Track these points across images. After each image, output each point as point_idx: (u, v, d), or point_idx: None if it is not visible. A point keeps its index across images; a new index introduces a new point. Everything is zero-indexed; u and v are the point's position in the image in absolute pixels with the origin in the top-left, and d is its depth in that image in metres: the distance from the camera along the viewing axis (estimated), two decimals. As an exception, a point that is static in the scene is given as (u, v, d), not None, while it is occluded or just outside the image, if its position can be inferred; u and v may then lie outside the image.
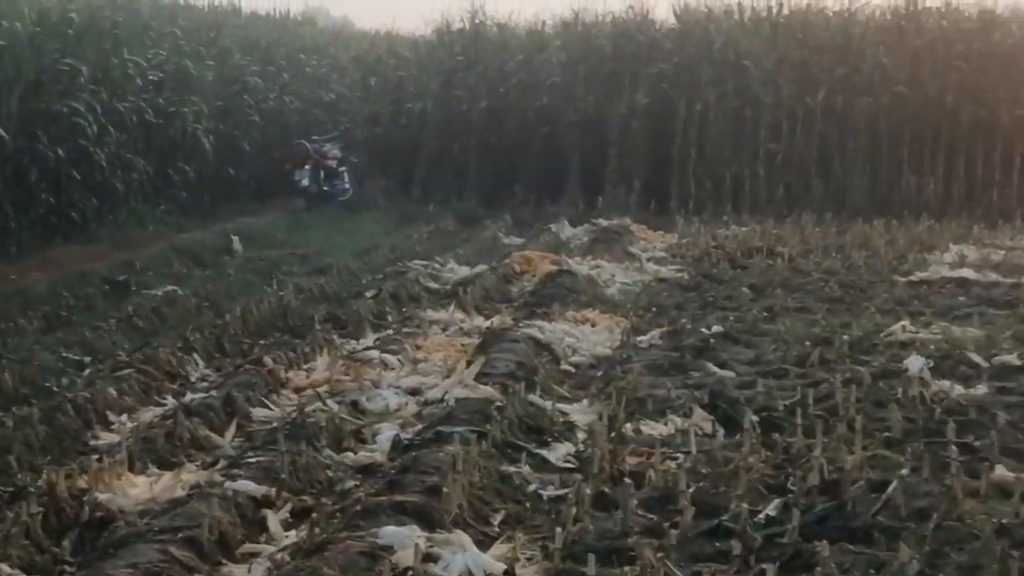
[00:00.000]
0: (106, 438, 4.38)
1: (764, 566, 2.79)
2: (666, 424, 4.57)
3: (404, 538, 2.97)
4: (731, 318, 6.94)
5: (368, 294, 7.60)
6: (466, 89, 14.40)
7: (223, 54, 13.54)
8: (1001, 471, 3.69)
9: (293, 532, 3.28)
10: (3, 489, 3.67)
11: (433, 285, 8.19)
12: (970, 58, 13.12)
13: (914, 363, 5.26)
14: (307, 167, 12.99)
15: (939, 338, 6.05)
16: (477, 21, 15.22)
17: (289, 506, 3.49)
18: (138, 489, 3.58)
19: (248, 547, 3.19)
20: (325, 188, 13.32)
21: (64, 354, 5.78)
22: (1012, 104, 12.82)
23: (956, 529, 3.09)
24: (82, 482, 3.53)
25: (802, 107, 13.16)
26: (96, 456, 3.95)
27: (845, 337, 6.07)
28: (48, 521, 3.26)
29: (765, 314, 7.05)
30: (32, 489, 3.49)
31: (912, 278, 8.44)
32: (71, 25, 10.15)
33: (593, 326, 6.73)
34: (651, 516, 3.37)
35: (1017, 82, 12.95)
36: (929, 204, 12.55)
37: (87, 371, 5.49)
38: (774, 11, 14.18)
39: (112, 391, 4.81)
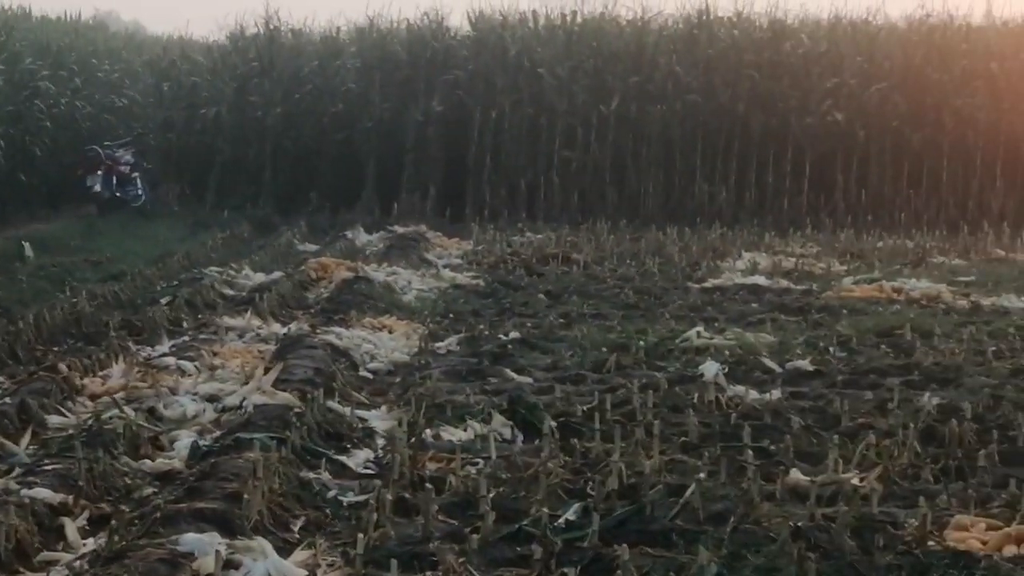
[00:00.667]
0: None
1: (564, 570, 2.82)
2: (465, 430, 4.55)
3: (205, 545, 2.97)
4: (528, 324, 7.04)
5: (163, 300, 7.54)
6: (261, 95, 14.72)
7: (13, 58, 13.28)
8: (796, 475, 3.78)
9: (91, 540, 3.27)
10: None
11: (229, 292, 8.21)
12: (761, 67, 14.05)
13: (709, 368, 5.41)
14: (99, 172, 13.03)
15: (733, 343, 6.31)
16: (272, 27, 15.43)
17: (87, 513, 3.47)
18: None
19: (46, 555, 3.17)
20: (118, 194, 13.33)
21: None
22: (802, 113, 13.78)
23: (753, 532, 3.12)
24: None
25: (596, 115, 13.90)
26: None
27: (641, 343, 6.24)
28: None
29: (562, 320, 7.20)
30: None
31: (706, 285, 8.88)
32: None
33: (391, 332, 6.76)
34: (452, 521, 3.34)
35: (807, 91, 13.95)
36: (722, 212, 13.44)
37: None
38: (568, 20, 14.90)
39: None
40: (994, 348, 6.25)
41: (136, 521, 3.27)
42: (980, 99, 13.66)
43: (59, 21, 16.64)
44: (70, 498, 3.51)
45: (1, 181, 12.18)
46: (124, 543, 3.03)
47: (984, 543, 3.11)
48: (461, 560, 2.91)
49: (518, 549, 3.09)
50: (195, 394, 5.05)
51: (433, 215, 13.23)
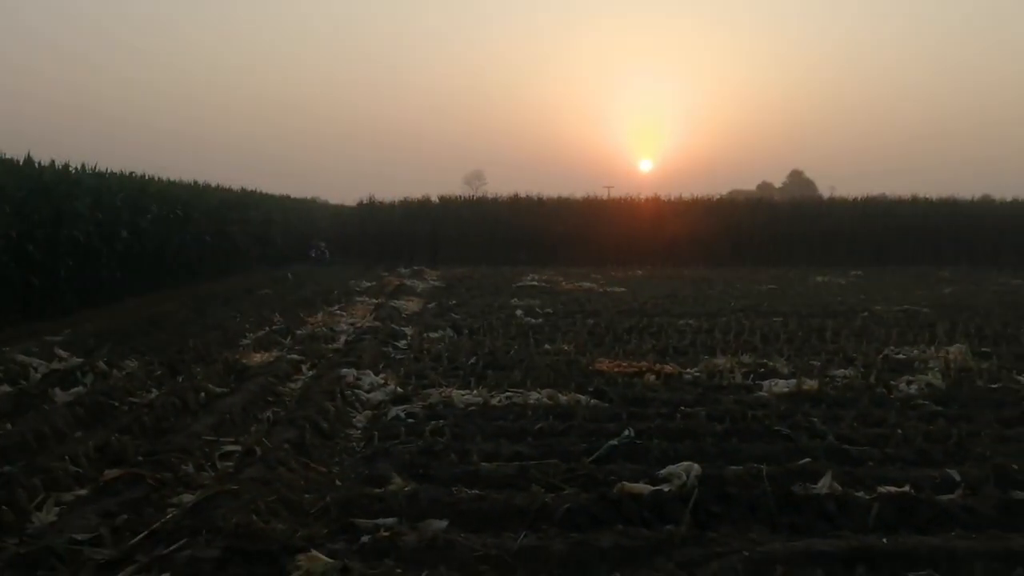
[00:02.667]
0: None
1: (468, 371, 9.36)
2: (438, 332, 11.48)
3: (350, 372, 9.14)
4: (462, 296, 14.34)
5: (336, 291, 16.50)
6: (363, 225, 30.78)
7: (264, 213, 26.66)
8: (546, 346, 10.56)
9: (310, 370, 9.44)
10: None
11: (357, 287, 20.06)
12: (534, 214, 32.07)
13: (518, 306, 12.46)
14: (312, 250, 30.15)
15: (530, 304, 13.56)
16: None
17: (310, 362, 9.60)
18: None
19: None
20: (318, 256, 29.71)
21: None
22: (556, 224, 30.66)
23: (533, 365, 9.75)
24: None
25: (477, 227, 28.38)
26: None
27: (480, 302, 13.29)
28: None
29: (473, 297, 14.30)
30: None
31: (518, 284, 16.39)
32: None
33: (411, 302, 14.09)
34: (435, 364, 9.84)
35: (552, 221, 29.26)
36: (525, 260, 28.22)
37: None
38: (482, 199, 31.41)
39: None
40: (610, 303, 13.42)
41: (324, 363, 9.59)
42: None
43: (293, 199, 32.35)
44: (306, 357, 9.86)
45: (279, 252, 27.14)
46: (321, 372, 9.16)
47: (608, 367, 9.65)
48: (440, 375, 9.23)
49: (459, 372, 9.34)
50: (347, 323, 12.12)
51: (428, 262, 25.46)
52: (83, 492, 5.14)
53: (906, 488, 4.95)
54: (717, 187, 48.26)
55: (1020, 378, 8.52)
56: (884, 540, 4.24)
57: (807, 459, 5.63)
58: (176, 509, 4.81)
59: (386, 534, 4.30)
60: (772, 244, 29.44)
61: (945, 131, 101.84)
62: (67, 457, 5.58)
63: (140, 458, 5.67)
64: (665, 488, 5.02)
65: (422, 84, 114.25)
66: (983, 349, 10.33)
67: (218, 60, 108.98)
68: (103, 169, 15.92)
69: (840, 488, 5.02)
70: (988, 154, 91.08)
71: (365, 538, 4.31)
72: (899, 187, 49.63)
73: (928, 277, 23.15)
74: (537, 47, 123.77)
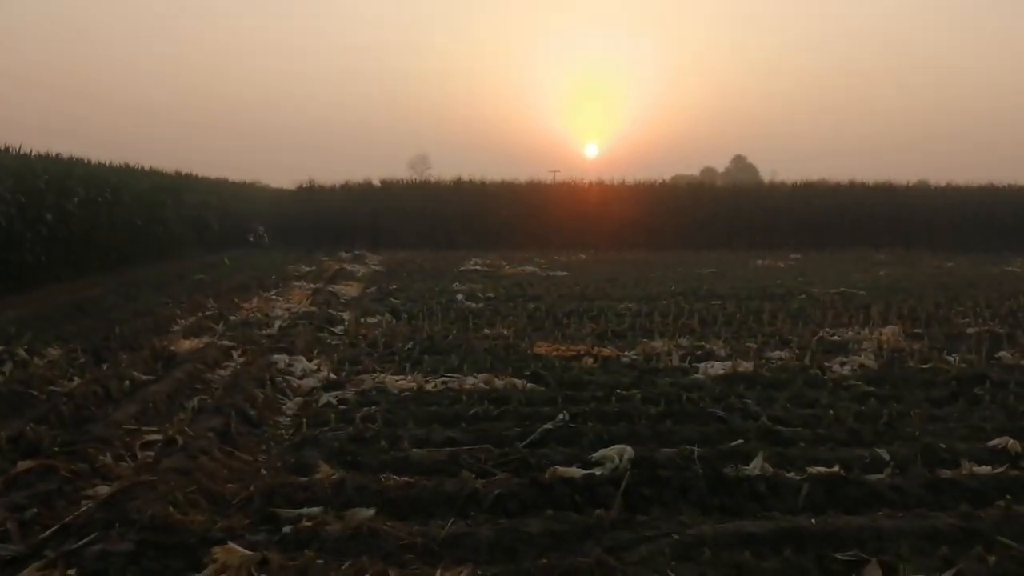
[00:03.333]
0: None
1: (411, 353, 9.20)
2: (375, 318, 11.28)
3: (283, 360, 8.96)
4: (402, 283, 14.08)
5: (274, 276, 14.99)
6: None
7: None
8: (485, 331, 10.46)
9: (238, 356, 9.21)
10: None
11: (296, 272, 16.62)
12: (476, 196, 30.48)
13: (459, 291, 12.32)
14: (252, 234, 28.94)
15: (472, 287, 13.52)
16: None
17: (242, 349, 9.36)
18: None
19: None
20: (257, 240, 29.77)
21: None
22: (496, 208, 28.58)
23: (471, 348, 9.62)
24: None
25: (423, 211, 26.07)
26: None
27: (436, 287, 13.17)
28: None
29: (409, 280, 14.13)
30: None
31: (461, 268, 16.40)
32: None
33: (350, 287, 13.76)
34: (370, 349, 9.68)
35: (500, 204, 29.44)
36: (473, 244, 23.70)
37: None
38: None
39: None
40: (552, 287, 13.71)
41: (255, 349, 9.41)
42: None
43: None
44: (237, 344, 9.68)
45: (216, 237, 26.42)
46: (252, 359, 8.98)
47: (546, 351, 9.57)
48: (375, 360, 9.06)
49: (395, 357, 9.26)
50: (283, 308, 11.80)
51: (370, 247, 25.23)
52: (-8, 485, 4.89)
53: (835, 468, 4.97)
54: (661, 172, 48.63)
55: (950, 358, 8.66)
56: (812, 521, 4.23)
57: (739, 440, 5.63)
58: (90, 502, 4.61)
59: (309, 524, 4.17)
60: (713, 228, 29.72)
61: (884, 115, 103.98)
62: (-24, 449, 5.32)
63: (56, 449, 5.43)
64: (597, 472, 4.97)
65: (366, 66, 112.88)
66: (915, 330, 10.50)
67: (158, 41, 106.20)
68: (26, 152, 15.34)
69: (771, 469, 5.02)
70: (925, 139, 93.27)
71: (287, 528, 4.17)
72: (839, 171, 50.46)
73: (865, 260, 23.59)
74: (483, 30, 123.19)
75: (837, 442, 5.79)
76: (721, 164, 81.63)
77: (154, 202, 20.58)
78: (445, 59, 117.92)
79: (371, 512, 4.39)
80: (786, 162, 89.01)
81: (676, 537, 4.05)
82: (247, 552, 3.80)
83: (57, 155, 16.60)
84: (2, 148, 14.65)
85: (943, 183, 32.43)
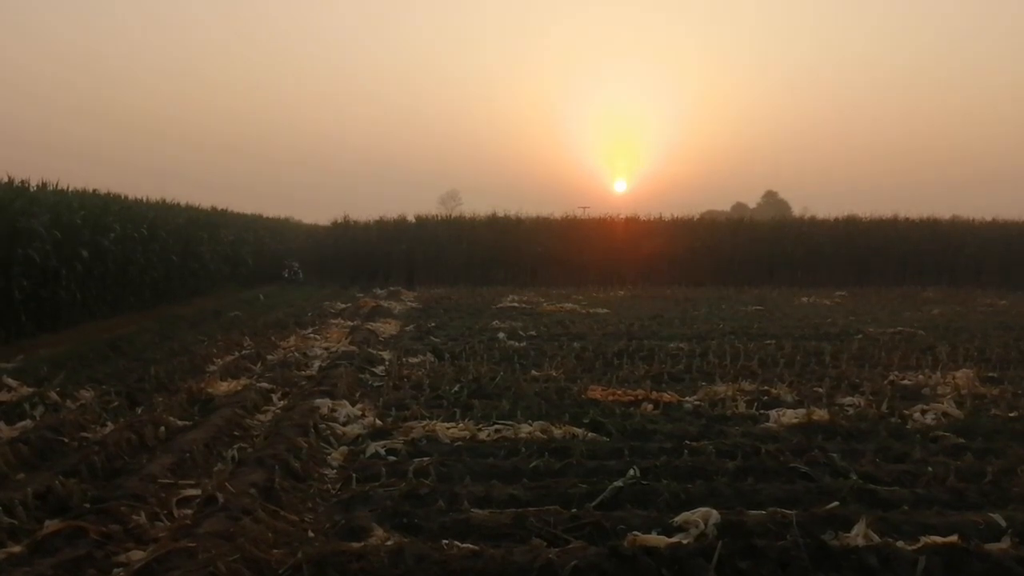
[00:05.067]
0: None
1: (453, 401, 8.70)
2: (417, 357, 10.87)
3: (324, 403, 8.53)
4: (442, 319, 13.69)
5: (310, 313, 14.56)
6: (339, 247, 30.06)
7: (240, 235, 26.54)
8: (534, 372, 9.95)
9: (281, 400, 8.77)
10: None
11: (332, 309, 16.89)
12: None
13: (500, 332, 12.10)
14: (286, 270, 30.20)
15: (509, 326, 13.00)
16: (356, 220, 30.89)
17: (281, 392, 8.93)
18: None
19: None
20: (292, 277, 29.48)
21: None
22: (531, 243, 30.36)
23: (521, 391, 9.13)
24: None
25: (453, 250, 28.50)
26: None
27: (474, 325, 12.72)
28: None
29: (453, 319, 13.70)
30: None
31: (499, 305, 15.81)
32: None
33: (389, 325, 13.35)
34: (414, 391, 9.19)
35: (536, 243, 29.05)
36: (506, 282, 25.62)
37: None
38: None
39: None
40: (595, 324, 13.20)
41: (296, 392, 8.95)
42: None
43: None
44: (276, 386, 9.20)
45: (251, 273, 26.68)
46: (293, 403, 8.58)
47: (602, 395, 9.06)
48: (422, 405, 8.49)
49: (442, 401, 8.72)
50: (322, 347, 11.37)
51: (405, 283, 25.49)
52: (16, 549, 4.46)
53: (953, 538, 4.40)
54: (691, 208, 48.06)
55: (1038, 406, 8.03)
56: (942, 604, 3.68)
57: (835, 503, 5.08)
58: (122, 570, 4.16)
59: (369, 602, 3.68)
60: (753, 264, 29.10)
61: (911, 152, 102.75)
62: (1, 506, 4.90)
63: (86, 506, 5.01)
64: (683, 540, 4.44)
65: (396, 103, 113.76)
66: (990, 374, 9.86)
67: (192, 76, 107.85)
68: (63, 187, 15.18)
69: (877, 537, 4.47)
70: (953, 175, 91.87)
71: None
72: (867, 207, 49.45)
73: (913, 297, 22.83)
74: (511, 67, 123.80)
75: (942, 504, 5.21)
76: (752, 200, 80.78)
77: (190, 238, 20.40)
78: (469, 91, 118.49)
79: (434, 586, 3.91)
80: (815, 197, 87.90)
81: (788, 623, 3.51)
82: (300, 639, 3.31)
83: (94, 190, 16.45)
84: (39, 184, 14.47)
85: (988, 218, 31.62)
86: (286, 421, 7.10)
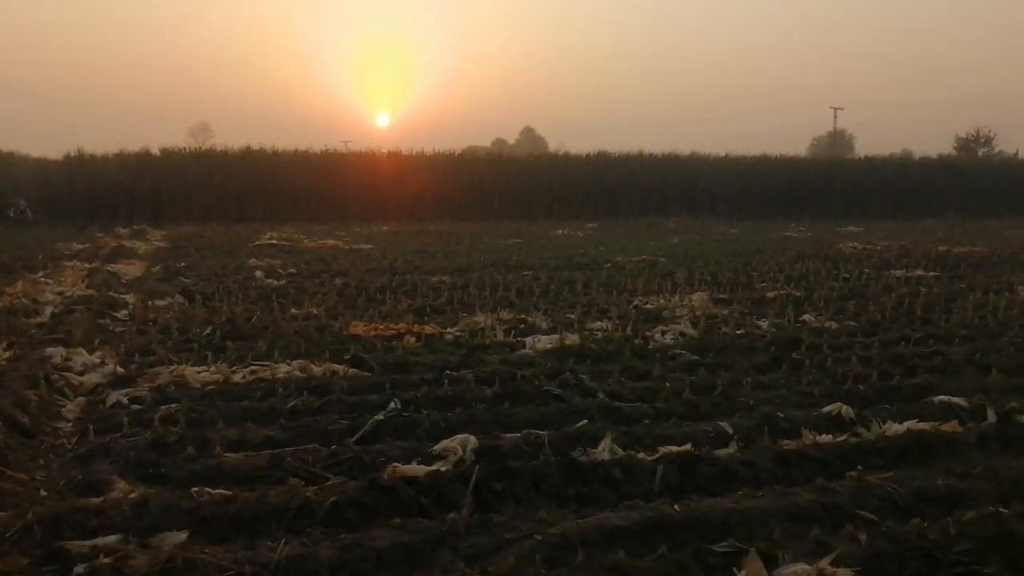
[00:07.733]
0: None
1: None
2: (164, 299, 10.04)
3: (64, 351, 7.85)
4: (192, 259, 12.81)
5: (41, 255, 12.64)
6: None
7: None
8: (293, 311, 9.67)
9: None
10: None
11: (67, 251, 15.13)
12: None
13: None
14: (11, 209, 25.69)
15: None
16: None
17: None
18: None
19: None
20: (19, 215, 25.81)
21: None
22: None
23: (282, 332, 8.83)
24: None
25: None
26: None
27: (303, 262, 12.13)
28: None
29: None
30: None
31: (255, 243, 15.34)
32: None
33: (135, 266, 12.29)
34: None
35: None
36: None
37: None
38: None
39: None
40: (358, 260, 12.84)
41: (24, 342, 8.23)
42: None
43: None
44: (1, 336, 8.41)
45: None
46: (21, 352, 7.99)
47: (364, 331, 8.97)
48: (170, 349, 8.24)
49: (193, 345, 8.44)
50: (55, 292, 10.45)
51: (151, 221, 24.14)
52: None
53: (687, 447, 4.79)
54: (454, 143, 48.46)
55: (760, 323, 8.89)
56: (676, 507, 3.99)
57: (583, 421, 5.36)
58: None
59: (107, 560, 3.43)
60: (512, 198, 29.86)
61: (658, 91, 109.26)
62: None
63: None
64: (442, 468, 4.51)
65: (135, 26, 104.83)
66: (721, 296, 10.78)
67: None
68: None
69: (621, 451, 4.77)
70: (697, 113, 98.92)
71: (80, 567, 3.41)
72: (621, 144, 52.27)
73: (656, 227, 24.46)
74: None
75: (678, 416, 5.65)
76: (511, 136, 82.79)
77: None
78: (222, 26, 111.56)
79: (183, 536, 3.73)
80: (570, 134, 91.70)
81: (539, 538, 3.68)
82: (28, 606, 3.04)
83: None
84: None
85: (722, 154, 34.32)
86: (12, 373, 6.43)
